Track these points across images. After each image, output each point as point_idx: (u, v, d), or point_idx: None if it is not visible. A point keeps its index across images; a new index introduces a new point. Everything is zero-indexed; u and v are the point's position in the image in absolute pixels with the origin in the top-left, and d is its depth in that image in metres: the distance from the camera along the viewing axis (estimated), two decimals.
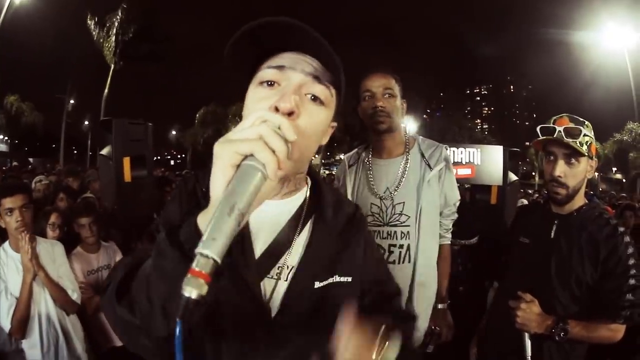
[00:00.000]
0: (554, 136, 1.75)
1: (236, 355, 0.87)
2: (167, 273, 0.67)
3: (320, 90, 0.84)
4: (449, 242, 2.24)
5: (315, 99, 0.84)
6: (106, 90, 27.74)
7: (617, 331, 1.69)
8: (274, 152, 0.65)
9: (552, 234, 1.84)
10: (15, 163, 23.08)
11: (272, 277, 0.90)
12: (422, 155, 2.10)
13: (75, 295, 2.60)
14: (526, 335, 1.74)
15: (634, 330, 1.82)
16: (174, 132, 44.79)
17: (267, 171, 0.64)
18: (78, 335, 2.67)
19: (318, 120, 0.85)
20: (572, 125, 1.75)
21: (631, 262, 1.67)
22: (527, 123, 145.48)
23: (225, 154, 0.65)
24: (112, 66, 27.44)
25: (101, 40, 26.83)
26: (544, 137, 1.78)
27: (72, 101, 36.50)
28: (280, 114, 0.75)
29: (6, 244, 2.54)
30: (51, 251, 2.63)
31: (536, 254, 1.87)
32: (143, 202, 3.86)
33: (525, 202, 6.95)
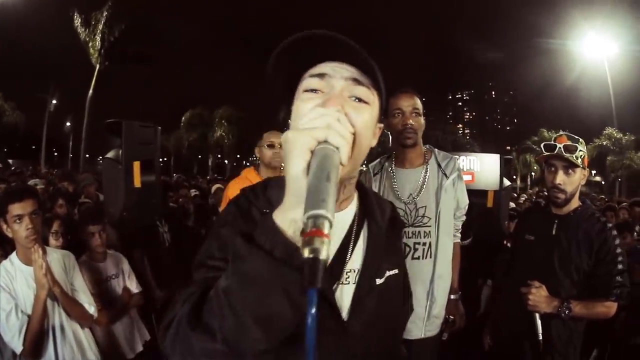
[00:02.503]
0: (555, 152, 2.14)
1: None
2: (252, 276, 0.66)
3: (362, 91, 0.88)
4: (459, 240, 2.53)
5: (358, 100, 0.88)
6: (91, 91, 27.31)
7: (610, 307, 2.08)
8: (344, 138, 0.71)
9: (554, 231, 2.22)
10: None
11: (341, 283, 0.95)
12: (439, 165, 2.38)
13: (92, 309, 2.45)
14: (537, 315, 2.08)
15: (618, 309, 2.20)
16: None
17: (341, 154, 0.69)
18: (92, 349, 2.51)
19: (365, 117, 0.87)
20: (569, 142, 2.14)
21: (618, 250, 2.09)
22: (508, 128, 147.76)
23: (303, 139, 0.69)
24: (97, 66, 27.07)
25: (87, 39, 26.46)
26: (548, 153, 2.17)
27: (54, 101, 35.77)
28: None
29: (13, 256, 2.30)
30: (62, 262, 2.44)
31: (540, 248, 2.24)
32: (151, 208, 3.81)
33: (513, 204, 7.16)
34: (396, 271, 1.06)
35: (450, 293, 2.41)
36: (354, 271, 0.97)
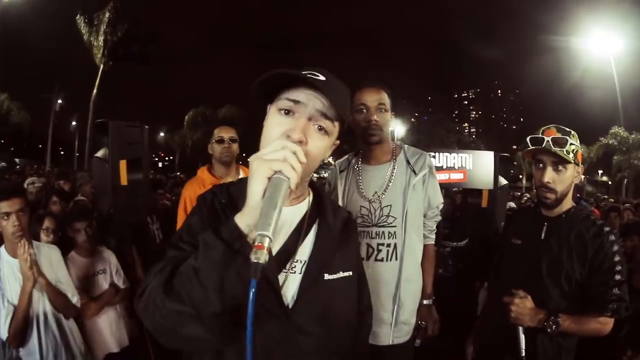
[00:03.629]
0: (543, 146, 1.89)
1: (257, 343, 0.95)
2: (216, 262, 0.87)
3: (327, 124, 1.06)
4: (433, 242, 2.39)
5: (321, 129, 1.06)
6: (95, 91, 27.48)
7: (605, 324, 1.82)
8: (294, 169, 0.90)
9: (543, 235, 1.97)
10: (3, 164, 22.71)
11: (287, 272, 1.10)
12: (408, 162, 2.25)
13: (75, 299, 2.58)
14: (520, 329, 1.84)
15: (619, 324, 1.95)
16: (162, 134, 44.21)
17: (290, 183, 0.89)
18: (77, 340, 2.63)
19: (322, 145, 1.07)
20: (559, 135, 1.90)
21: (616, 258, 1.81)
22: (514, 127, 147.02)
23: (263, 169, 0.89)
24: (101, 66, 27.22)
25: (91, 40, 26.62)
26: (534, 147, 1.93)
27: (59, 101, 36.04)
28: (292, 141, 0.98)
29: (2, 249, 2.46)
30: (48, 255, 2.57)
31: (528, 253, 2.00)
32: (139, 205, 3.84)
33: (513, 205, 7.04)
34: (350, 273, 1.19)
35: (422, 298, 2.29)
36: (301, 262, 1.12)
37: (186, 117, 36.75)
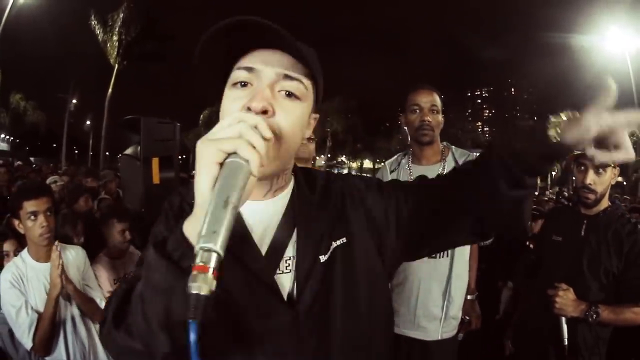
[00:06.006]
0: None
1: (269, 352, 0.85)
2: (158, 286, 0.67)
3: (293, 86, 0.84)
4: None
5: (289, 94, 0.84)
6: (110, 90, 27.75)
7: (639, 314, 1.97)
8: (255, 148, 0.67)
9: (582, 232, 2.14)
10: (19, 162, 23.02)
11: (281, 272, 0.90)
12: (456, 162, 2.33)
13: (103, 303, 2.43)
14: (563, 319, 2.00)
15: None
16: None
17: (251, 167, 0.66)
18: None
19: (295, 116, 0.84)
20: None
21: None
22: None
23: (209, 152, 0.67)
24: (116, 66, 27.49)
25: (105, 40, 26.88)
26: (578, 152, 2.03)
27: (74, 101, 36.45)
28: (253, 114, 0.77)
29: (24, 253, 2.31)
30: (75, 258, 2.46)
31: (568, 249, 2.16)
32: None
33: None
34: (344, 240, 0.94)
35: (467, 293, 2.36)
36: (293, 258, 0.91)
37: (201, 115, 37.05)
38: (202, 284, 0.57)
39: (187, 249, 0.66)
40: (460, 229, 0.99)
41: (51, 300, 2.17)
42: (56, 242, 2.22)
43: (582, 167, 2.10)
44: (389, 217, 0.99)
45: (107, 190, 5.73)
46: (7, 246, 2.69)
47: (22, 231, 2.28)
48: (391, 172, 2.43)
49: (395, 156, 2.51)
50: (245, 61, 0.85)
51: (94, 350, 2.43)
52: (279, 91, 0.83)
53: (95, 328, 2.46)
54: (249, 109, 0.78)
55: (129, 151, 3.84)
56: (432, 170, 2.30)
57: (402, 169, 2.39)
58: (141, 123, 3.65)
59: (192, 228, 0.67)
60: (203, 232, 0.60)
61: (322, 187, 1.00)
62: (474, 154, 2.45)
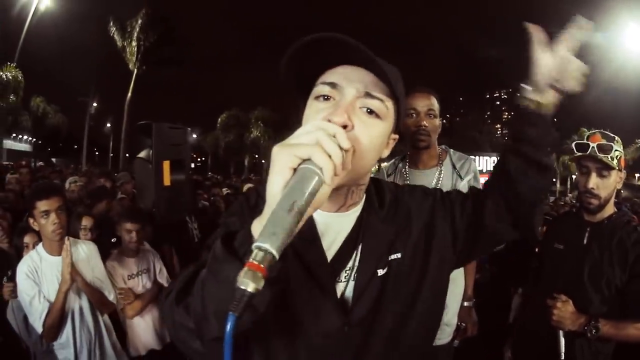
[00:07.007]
0: (588, 152, 1.91)
1: (315, 351, 0.90)
2: (220, 277, 0.70)
3: (375, 104, 0.86)
4: None
5: (370, 112, 0.85)
6: (129, 94, 28.21)
7: None
8: (330, 157, 0.68)
9: (585, 240, 1.98)
10: (40, 163, 23.58)
11: (340, 281, 0.94)
12: (454, 167, 2.29)
13: (111, 296, 2.65)
14: (560, 333, 1.87)
15: None
16: (194, 136, 45.20)
17: (324, 175, 0.67)
18: (111, 337, 2.68)
19: (375, 133, 0.86)
20: (604, 141, 1.91)
21: None
22: None
23: (284, 156, 0.68)
24: (135, 71, 27.93)
25: (124, 45, 27.33)
26: (579, 154, 1.94)
27: (95, 104, 37.17)
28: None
29: (40, 247, 2.52)
30: (86, 252, 2.64)
31: (570, 258, 2.01)
32: (181, 205, 3.92)
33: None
34: (399, 255, 0.97)
35: (463, 300, 2.32)
36: (353, 269, 0.96)
37: (219, 119, 37.46)
38: (250, 281, 0.59)
39: (250, 247, 0.67)
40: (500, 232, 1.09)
41: (61, 294, 2.37)
42: (67, 240, 2.40)
43: (585, 170, 1.96)
44: (447, 234, 1.04)
45: (123, 191, 5.93)
46: (27, 239, 2.96)
47: (36, 228, 2.50)
48: (388, 176, 2.40)
49: (392, 160, 2.49)
50: (328, 76, 0.88)
51: (100, 339, 2.62)
52: (360, 107, 0.85)
53: (101, 319, 2.65)
54: (329, 121, 0.79)
55: (142, 154, 3.95)
56: (428, 175, 2.29)
57: (398, 173, 2.37)
58: (153, 128, 3.74)
59: (259, 227, 0.68)
60: (263, 231, 0.62)
61: (391, 201, 1.03)
62: (472, 158, 2.45)
